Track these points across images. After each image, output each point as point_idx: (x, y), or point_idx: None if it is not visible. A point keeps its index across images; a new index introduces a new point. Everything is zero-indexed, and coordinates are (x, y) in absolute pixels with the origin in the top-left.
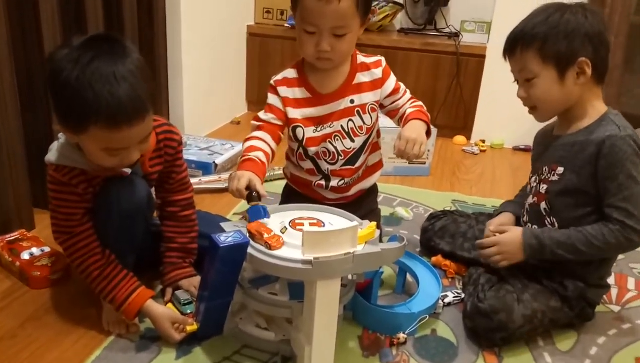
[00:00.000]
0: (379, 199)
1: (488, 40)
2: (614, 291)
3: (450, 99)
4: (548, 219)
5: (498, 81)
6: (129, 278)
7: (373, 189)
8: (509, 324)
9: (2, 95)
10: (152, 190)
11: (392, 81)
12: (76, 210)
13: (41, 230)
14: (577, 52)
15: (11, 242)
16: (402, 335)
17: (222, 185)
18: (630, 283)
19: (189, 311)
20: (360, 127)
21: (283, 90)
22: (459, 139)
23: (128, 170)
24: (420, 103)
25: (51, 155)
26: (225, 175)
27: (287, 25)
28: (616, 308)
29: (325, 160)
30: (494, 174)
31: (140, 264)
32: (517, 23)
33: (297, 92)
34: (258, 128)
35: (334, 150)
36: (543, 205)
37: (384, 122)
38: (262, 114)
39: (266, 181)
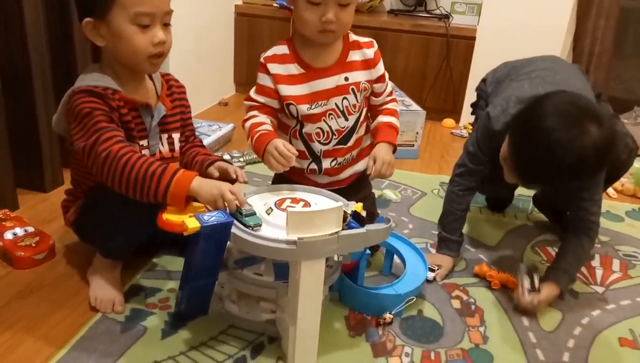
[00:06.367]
0: None
1: (478, 22)
2: (598, 272)
3: (440, 81)
4: None
5: (488, 63)
6: None
7: (366, 174)
8: None
9: None
10: (177, 139)
11: (381, 67)
12: (112, 120)
13: (25, 211)
14: None
15: None
16: (388, 316)
17: None
18: (615, 265)
19: (251, 223)
20: (354, 106)
21: (274, 67)
22: (448, 122)
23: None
24: (395, 107)
25: (81, 82)
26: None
27: (275, 5)
28: (600, 289)
29: (319, 141)
30: None
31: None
32: (507, 6)
33: (290, 68)
34: (253, 108)
35: (328, 129)
36: None
37: None
38: (254, 95)
39: (256, 163)
